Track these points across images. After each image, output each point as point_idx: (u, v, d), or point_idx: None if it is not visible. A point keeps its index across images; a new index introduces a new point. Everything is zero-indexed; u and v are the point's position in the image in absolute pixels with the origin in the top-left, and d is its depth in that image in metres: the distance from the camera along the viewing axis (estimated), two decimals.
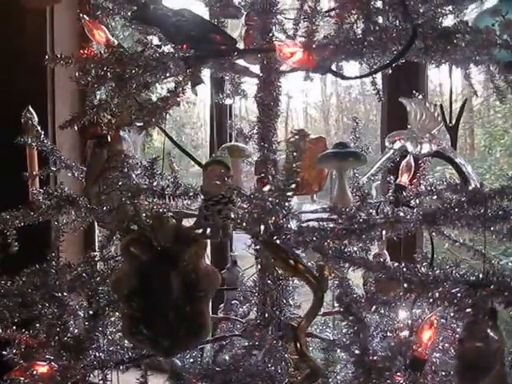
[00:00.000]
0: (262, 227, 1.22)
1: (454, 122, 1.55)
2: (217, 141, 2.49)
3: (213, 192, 1.56)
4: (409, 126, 1.45)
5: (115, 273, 1.35)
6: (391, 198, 1.89)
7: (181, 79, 1.38)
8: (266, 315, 1.67)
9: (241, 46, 1.78)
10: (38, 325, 1.43)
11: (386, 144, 1.47)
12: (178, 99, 1.34)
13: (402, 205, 1.89)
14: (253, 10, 1.76)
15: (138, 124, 1.33)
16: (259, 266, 1.70)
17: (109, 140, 1.69)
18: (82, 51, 1.70)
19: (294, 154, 1.22)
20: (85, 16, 1.71)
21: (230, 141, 2.52)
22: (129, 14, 1.51)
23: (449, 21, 1.48)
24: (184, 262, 1.31)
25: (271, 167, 1.63)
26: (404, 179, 1.90)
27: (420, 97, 1.41)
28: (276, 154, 1.69)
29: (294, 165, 1.23)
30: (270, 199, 1.21)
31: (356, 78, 1.49)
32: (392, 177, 1.90)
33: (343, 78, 1.40)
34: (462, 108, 1.63)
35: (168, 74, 1.46)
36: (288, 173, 1.22)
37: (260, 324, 1.68)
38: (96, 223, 1.70)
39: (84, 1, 1.75)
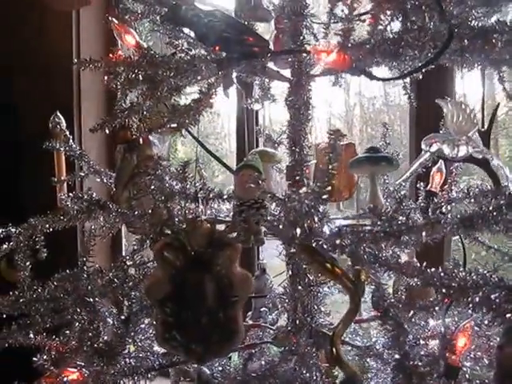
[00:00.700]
0: (298, 230, 1.19)
1: (486, 126, 1.53)
2: (245, 148, 2.47)
3: (245, 196, 1.54)
4: (444, 129, 1.42)
5: (149, 278, 1.33)
6: (422, 204, 1.87)
7: (213, 81, 1.35)
8: (297, 322, 1.64)
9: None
10: (68, 331, 1.40)
11: (423, 147, 1.43)
12: (211, 101, 1.32)
13: (433, 211, 1.87)
14: (283, 13, 1.74)
15: (172, 125, 1.30)
16: (290, 272, 1.66)
17: (139, 145, 1.67)
18: (111, 55, 1.69)
19: (330, 155, 1.19)
20: (114, 19, 1.70)
21: (258, 147, 2.50)
22: (160, 15, 1.49)
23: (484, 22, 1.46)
24: (217, 267, 1.28)
25: (305, 170, 1.60)
26: (435, 185, 1.87)
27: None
28: (307, 158, 1.67)
29: (330, 166, 1.20)
30: (306, 202, 1.18)
31: (389, 79, 1.46)
32: (422, 183, 1.87)
33: (376, 79, 1.36)
34: (495, 112, 1.60)
35: (199, 77, 1.44)
36: (324, 175, 1.20)
37: (291, 331, 1.65)
38: (126, 228, 1.66)
39: (112, 4, 1.73)
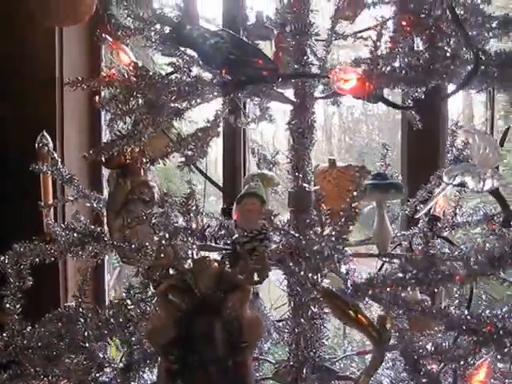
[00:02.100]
0: (319, 276, 1.07)
1: None
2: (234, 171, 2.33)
3: (248, 227, 1.41)
4: (469, 160, 1.30)
5: (151, 322, 1.19)
6: (425, 229, 1.76)
7: (220, 108, 1.22)
8: (300, 356, 1.51)
9: None
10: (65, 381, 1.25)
11: (444, 179, 1.31)
12: (219, 129, 1.19)
13: (436, 237, 1.76)
14: (285, 32, 1.62)
15: (180, 160, 1.16)
16: (292, 304, 1.54)
17: (133, 169, 1.54)
18: (103, 74, 1.56)
19: (355, 194, 1.07)
20: (107, 36, 1.56)
21: (245, 166, 2.36)
22: (158, 33, 1.35)
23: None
24: (227, 311, 1.14)
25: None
26: (438, 210, 1.77)
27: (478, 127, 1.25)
28: (311, 184, 1.55)
29: (353, 205, 1.08)
30: (329, 244, 1.05)
31: (410, 108, 1.34)
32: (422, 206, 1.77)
33: (398, 108, 1.24)
34: (505, 134, 1.49)
35: (202, 100, 1.31)
36: (347, 213, 1.08)
37: (293, 366, 1.52)
38: (120, 259, 1.52)
39: (104, 20, 1.59)
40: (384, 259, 1.53)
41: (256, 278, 1.29)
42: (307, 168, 1.54)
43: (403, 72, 1.06)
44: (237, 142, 2.48)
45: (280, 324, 1.76)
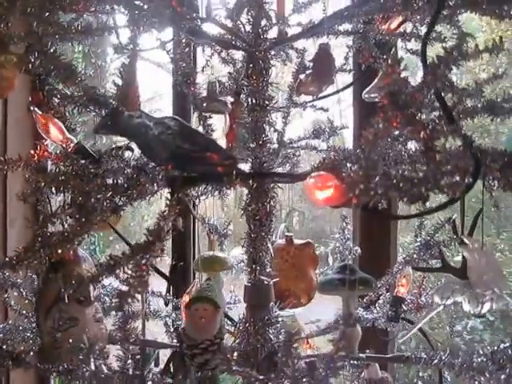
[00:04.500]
0: None
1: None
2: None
3: (199, 337, 1.15)
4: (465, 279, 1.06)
5: None
6: (389, 312, 1.53)
7: (165, 211, 0.95)
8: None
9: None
10: None
11: (436, 300, 1.07)
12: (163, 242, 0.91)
13: (400, 319, 1.53)
14: (241, 103, 1.37)
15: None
16: None
17: (65, 262, 1.25)
18: (33, 151, 1.28)
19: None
20: (36, 109, 1.28)
21: (194, 235, 2.08)
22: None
23: None
24: None
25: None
26: (402, 291, 1.54)
27: (478, 243, 1.00)
28: (270, 277, 1.29)
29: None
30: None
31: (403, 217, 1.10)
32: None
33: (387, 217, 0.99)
34: (476, 220, 1.27)
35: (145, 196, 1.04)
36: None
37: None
38: None
39: (36, 86, 1.30)
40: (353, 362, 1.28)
41: None
42: (265, 259, 1.28)
43: (398, 183, 0.81)
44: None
45: None
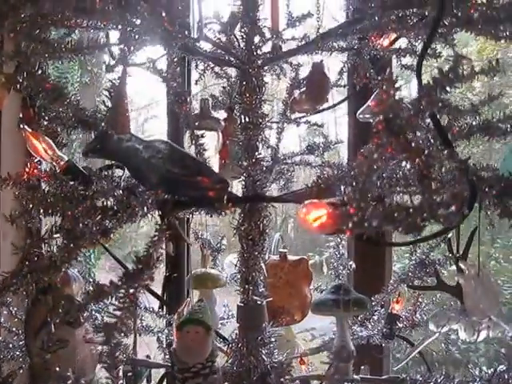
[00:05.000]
0: None
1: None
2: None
3: (191, 360, 1.12)
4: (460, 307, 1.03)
5: None
6: (384, 329, 1.50)
7: (155, 236, 0.92)
8: None
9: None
10: None
11: (431, 327, 1.04)
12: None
13: (395, 336, 1.51)
14: (234, 118, 1.34)
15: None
16: None
17: (54, 283, 1.22)
18: (23, 169, 1.25)
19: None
20: (25, 127, 1.25)
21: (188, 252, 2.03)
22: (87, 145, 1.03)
23: None
24: None
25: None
26: (397, 308, 1.51)
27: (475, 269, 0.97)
28: (263, 297, 1.26)
29: None
30: None
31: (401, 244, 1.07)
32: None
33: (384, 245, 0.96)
34: (471, 238, 1.25)
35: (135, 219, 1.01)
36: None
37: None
38: None
39: (27, 103, 1.27)
40: None
41: None
42: (259, 279, 1.26)
43: (393, 213, 0.78)
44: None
45: None
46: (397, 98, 0.91)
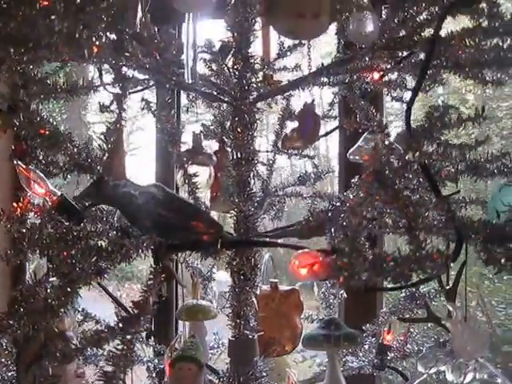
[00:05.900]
0: None
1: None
2: None
3: None
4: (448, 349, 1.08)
5: None
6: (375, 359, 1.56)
7: (150, 279, 0.98)
8: None
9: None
10: None
11: (420, 369, 1.10)
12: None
13: (385, 367, 1.56)
14: (226, 151, 1.40)
15: None
16: None
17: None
18: (15, 204, 1.29)
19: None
20: (19, 162, 1.29)
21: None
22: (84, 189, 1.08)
23: None
24: None
25: None
26: (388, 338, 1.56)
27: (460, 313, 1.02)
28: (255, 331, 1.31)
29: None
30: None
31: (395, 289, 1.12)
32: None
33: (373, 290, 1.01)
34: (460, 273, 1.30)
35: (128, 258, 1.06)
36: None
37: None
38: None
39: (20, 136, 1.31)
40: None
41: None
42: (250, 313, 1.31)
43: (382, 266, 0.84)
44: None
45: None
46: (386, 143, 0.97)
